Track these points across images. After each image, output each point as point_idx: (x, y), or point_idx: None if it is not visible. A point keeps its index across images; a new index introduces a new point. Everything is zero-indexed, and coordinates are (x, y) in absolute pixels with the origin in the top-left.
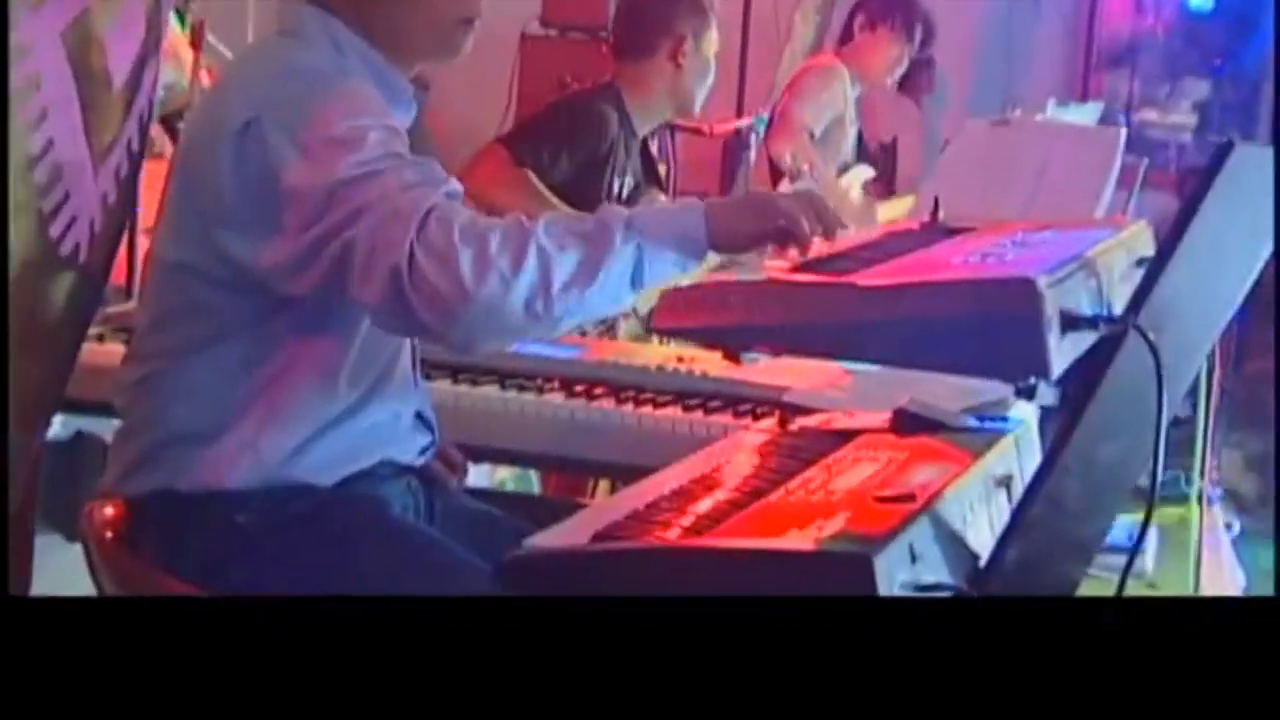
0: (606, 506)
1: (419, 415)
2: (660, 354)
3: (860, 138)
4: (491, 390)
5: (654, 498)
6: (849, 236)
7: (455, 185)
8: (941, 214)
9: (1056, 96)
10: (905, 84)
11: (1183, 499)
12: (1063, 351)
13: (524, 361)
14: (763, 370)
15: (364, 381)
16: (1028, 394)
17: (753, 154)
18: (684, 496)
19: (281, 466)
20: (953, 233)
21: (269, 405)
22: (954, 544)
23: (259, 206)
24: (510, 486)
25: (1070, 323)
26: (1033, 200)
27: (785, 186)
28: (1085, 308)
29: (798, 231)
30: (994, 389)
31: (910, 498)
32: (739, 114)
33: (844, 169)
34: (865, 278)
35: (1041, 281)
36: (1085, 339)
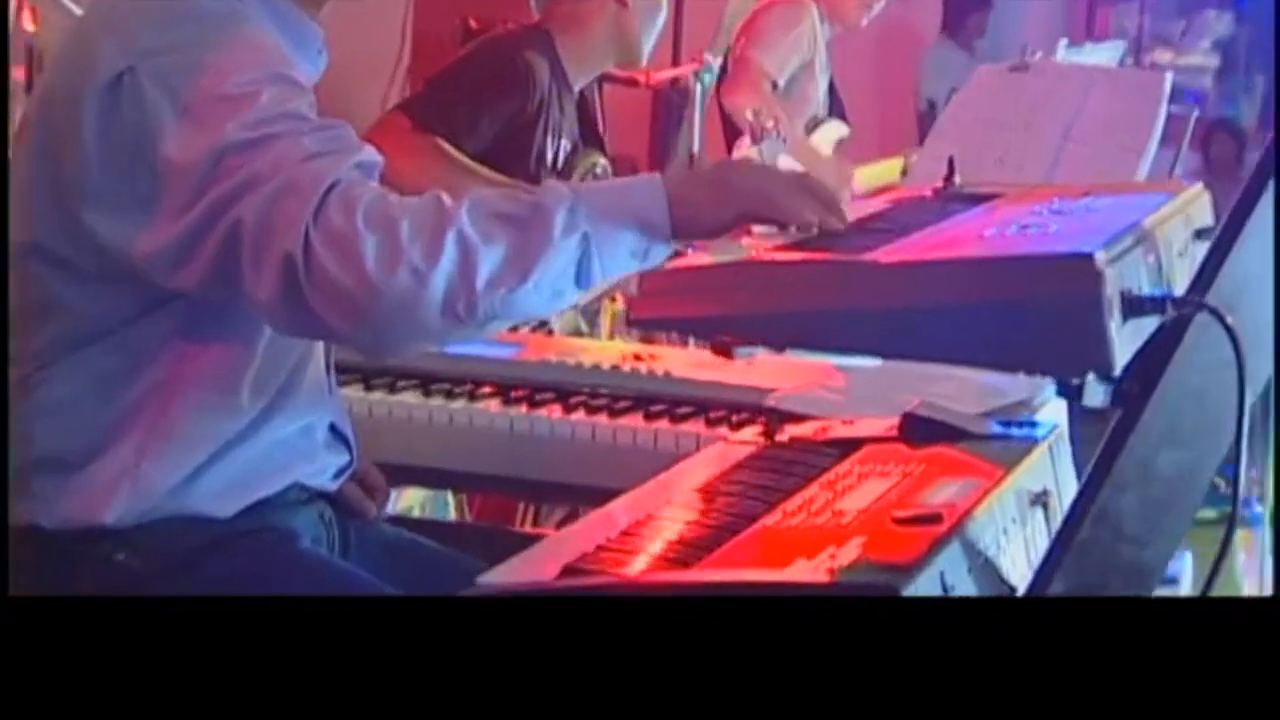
0: (571, 536)
1: (334, 429)
2: (614, 351)
3: (832, 88)
4: (412, 398)
5: (627, 524)
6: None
7: (370, 155)
8: (957, 178)
9: (1063, 36)
10: (953, 28)
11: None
12: (1124, 339)
13: (451, 363)
14: (739, 370)
15: (269, 390)
16: (1074, 393)
17: (697, 111)
18: (662, 522)
19: (169, 496)
20: (974, 199)
21: (151, 423)
22: (989, 573)
23: (132, 180)
24: (418, 513)
25: (1133, 306)
26: (1060, 159)
27: (744, 149)
28: (1145, 287)
29: (789, 218)
30: (1016, 388)
31: (936, 519)
32: (675, 60)
33: (814, 125)
34: (885, 255)
35: (1100, 257)
36: (1146, 325)
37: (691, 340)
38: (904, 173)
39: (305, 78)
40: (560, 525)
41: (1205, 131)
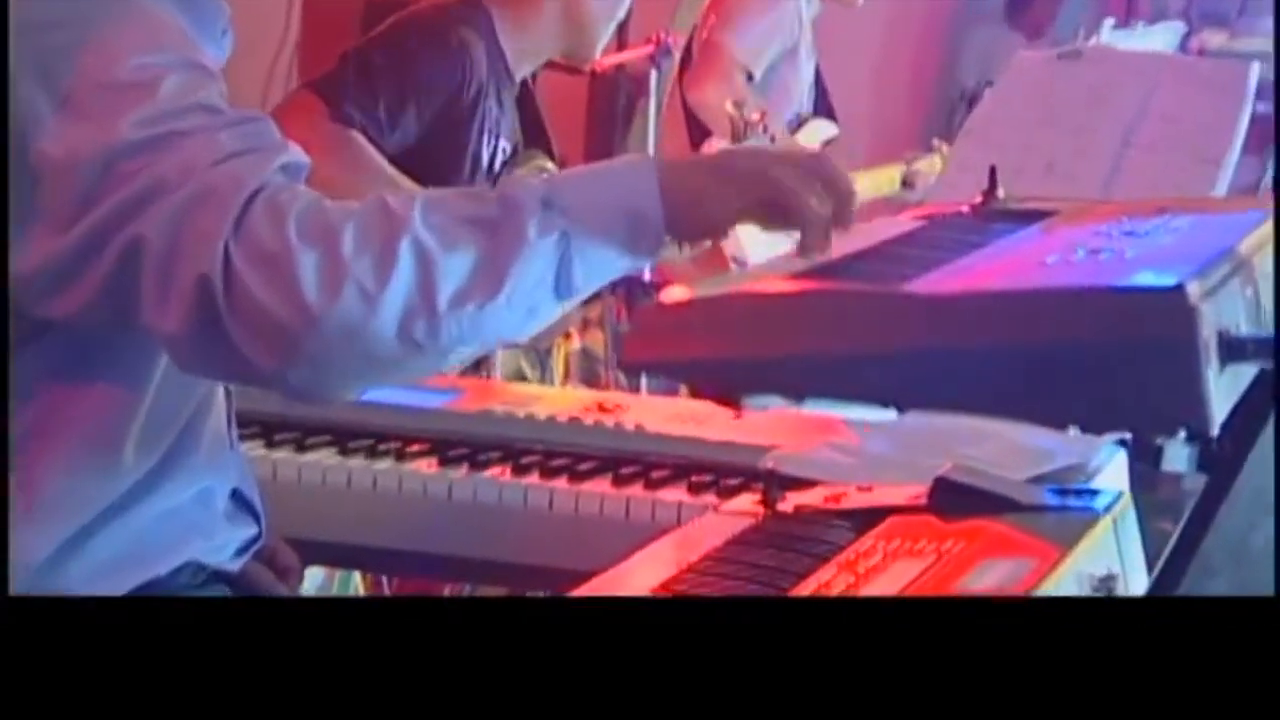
0: None
1: (237, 496)
2: (573, 399)
3: (819, 79)
4: (327, 456)
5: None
6: (858, 228)
7: (297, 154)
8: (1000, 190)
9: (1105, 17)
10: (1018, 13)
11: None
12: (1221, 390)
13: (372, 413)
14: (729, 425)
15: (158, 446)
16: (1151, 456)
17: (653, 104)
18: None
19: (38, 575)
20: (1024, 217)
21: (13, 487)
22: None
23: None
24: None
25: (1232, 349)
26: (1121, 167)
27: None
28: (1244, 326)
29: (801, 209)
30: (1067, 449)
31: None
32: (622, 42)
33: (796, 125)
34: (926, 285)
35: (1193, 290)
36: (1245, 373)
37: (683, 388)
38: (905, 183)
39: (212, 61)
40: None
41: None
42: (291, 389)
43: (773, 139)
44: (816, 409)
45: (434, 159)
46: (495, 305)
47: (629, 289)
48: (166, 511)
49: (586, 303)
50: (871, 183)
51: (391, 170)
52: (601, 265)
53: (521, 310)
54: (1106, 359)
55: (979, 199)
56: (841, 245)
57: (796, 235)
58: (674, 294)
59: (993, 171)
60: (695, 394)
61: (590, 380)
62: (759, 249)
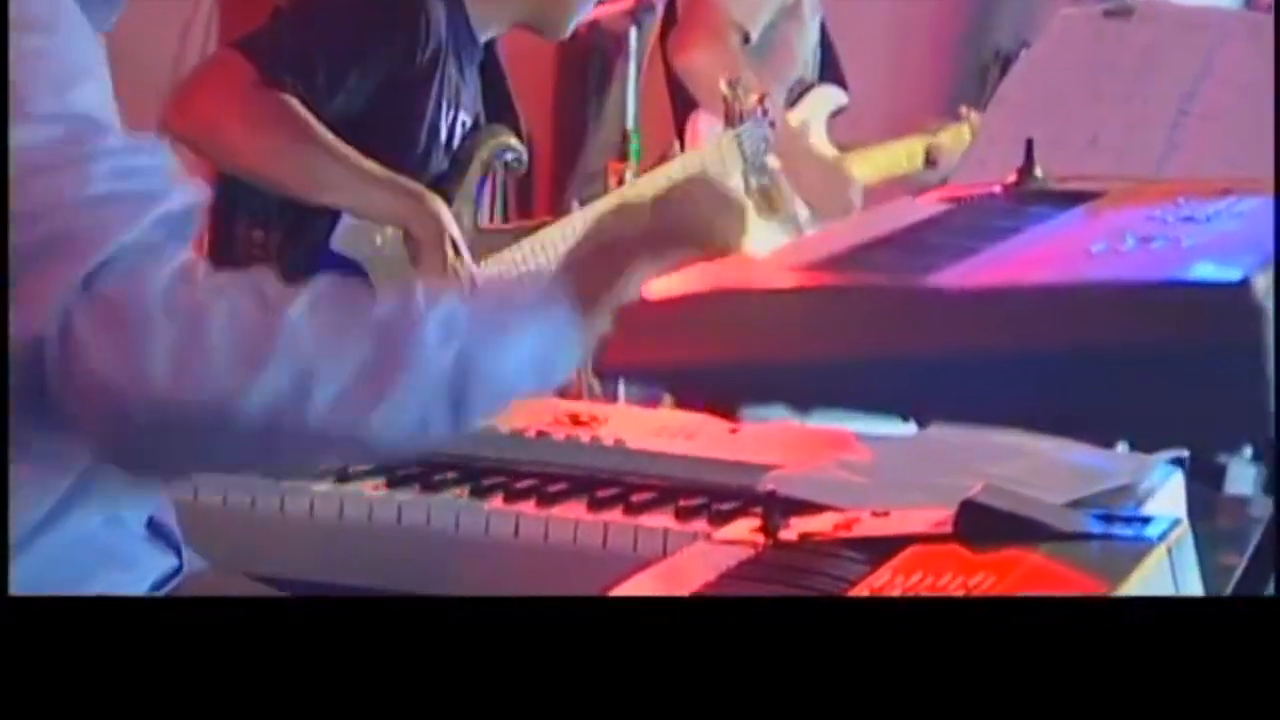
0: None
1: (154, 524)
2: (540, 410)
3: (825, 38)
4: (258, 481)
5: None
6: (866, 213)
7: (184, 199)
8: (1038, 168)
9: None
10: None
11: None
12: None
13: None
14: (723, 441)
15: (72, 469)
16: (1211, 476)
17: (632, 68)
18: None
19: None
20: (1065, 199)
21: None
22: None
23: None
24: None
25: None
26: (1178, 142)
27: (707, 135)
28: None
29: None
30: (1114, 468)
31: None
32: None
33: (799, 93)
34: (953, 277)
35: (1260, 285)
36: None
37: (667, 398)
38: (928, 159)
39: (89, 36)
40: None
41: None
42: (120, 461)
43: (772, 125)
44: (824, 421)
45: (383, 130)
46: (374, 419)
47: None
48: (72, 541)
49: None
50: (888, 159)
51: (333, 142)
52: (503, 392)
53: (409, 425)
54: (1160, 364)
55: (1013, 178)
56: (855, 232)
57: (803, 223)
58: (661, 288)
59: (1029, 146)
60: (682, 404)
61: (558, 390)
62: (759, 237)
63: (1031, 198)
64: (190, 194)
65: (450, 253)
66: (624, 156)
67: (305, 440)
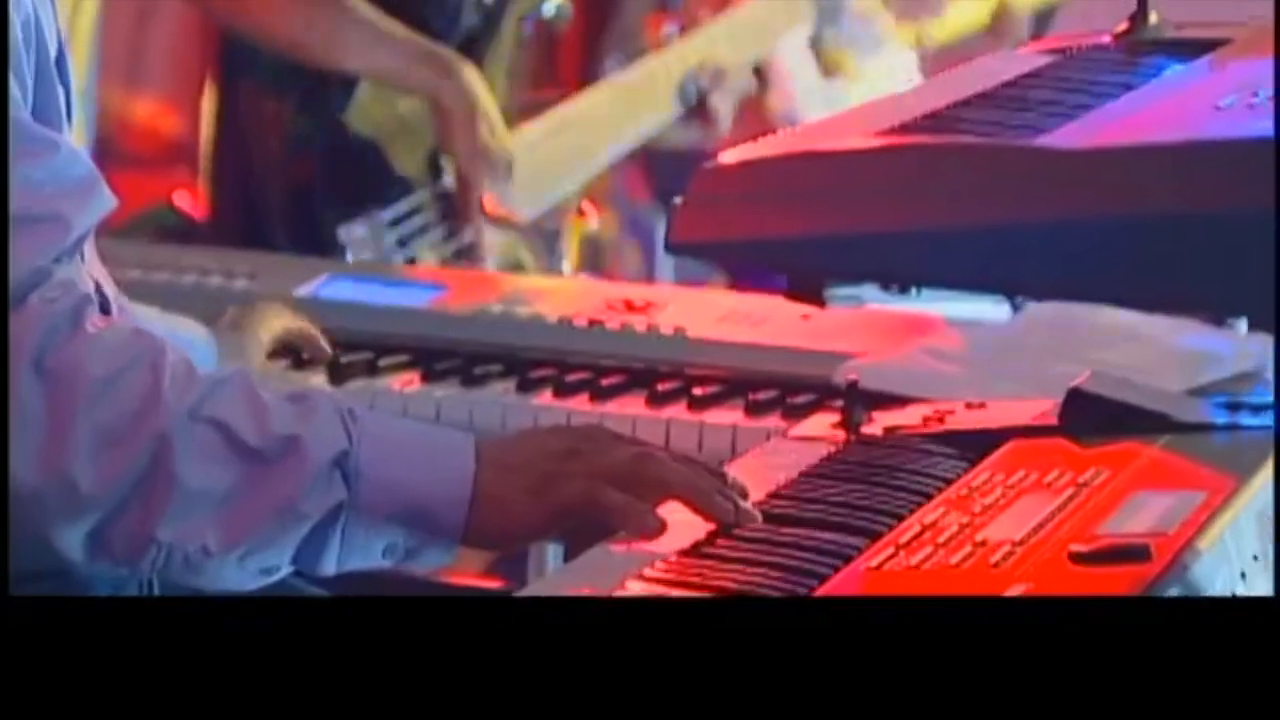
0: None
1: None
2: (592, 296)
3: None
4: (286, 371)
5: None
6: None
7: (92, 215)
8: (1153, 15)
9: None
10: None
11: None
12: None
13: (337, 314)
14: (795, 327)
15: None
16: None
17: None
18: (703, 564)
19: None
20: (1184, 48)
21: None
22: None
23: None
24: None
25: None
26: None
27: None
28: None
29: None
30: (1238, 352)
31: (1141, 554)
32: None
33: None
34: (1067, 137)
35: None
36: None
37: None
38: (995, 15)
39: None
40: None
41: None
42: None
43: None
44: (912, 304)
45: None
46: (222, 560)
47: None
48: None
49: None
50: (953, 21)
51: (353, 1)
52: (361, 554)
53: (251, 571)
54: None
55: (1123, 25)
56: (950, 89)
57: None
58: (737, 153)
59: None
60: (736, 285)
61: (596, 273)
62: (815, 101)
63: (1146, 48)
64: (102, 204)
65: (483, 130)
66: (664, 8)
67: (133, 560)
